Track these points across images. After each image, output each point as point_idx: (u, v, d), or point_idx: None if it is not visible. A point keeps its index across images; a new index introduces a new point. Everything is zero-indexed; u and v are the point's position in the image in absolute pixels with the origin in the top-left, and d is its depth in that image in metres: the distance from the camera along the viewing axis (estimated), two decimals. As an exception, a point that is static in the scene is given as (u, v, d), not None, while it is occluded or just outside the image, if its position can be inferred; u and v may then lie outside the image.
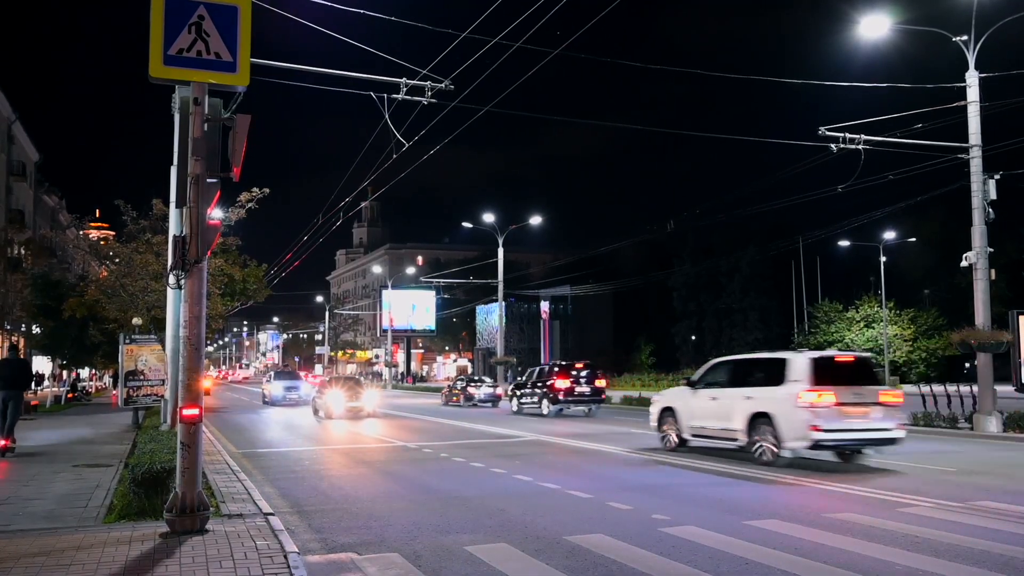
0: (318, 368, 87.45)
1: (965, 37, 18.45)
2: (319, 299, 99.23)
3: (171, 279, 8.04)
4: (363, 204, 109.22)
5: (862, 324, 54.38)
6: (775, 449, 12.53)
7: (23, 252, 39.40)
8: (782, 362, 13.06)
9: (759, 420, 12.82)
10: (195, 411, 7.40)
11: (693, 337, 71.52)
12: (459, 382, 37.34)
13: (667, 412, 15.29)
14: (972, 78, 18.58)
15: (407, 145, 15.46)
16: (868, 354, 15.80)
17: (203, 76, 7.62)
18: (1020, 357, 18.31)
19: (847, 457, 13.24)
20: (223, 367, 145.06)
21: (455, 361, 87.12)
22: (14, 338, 41.06)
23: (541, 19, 12.35)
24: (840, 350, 53.33)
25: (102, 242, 31.36)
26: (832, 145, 18.89)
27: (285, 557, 6.53)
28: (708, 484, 11.11)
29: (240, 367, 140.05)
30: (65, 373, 48.15)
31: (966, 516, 8.67)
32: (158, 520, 7.75)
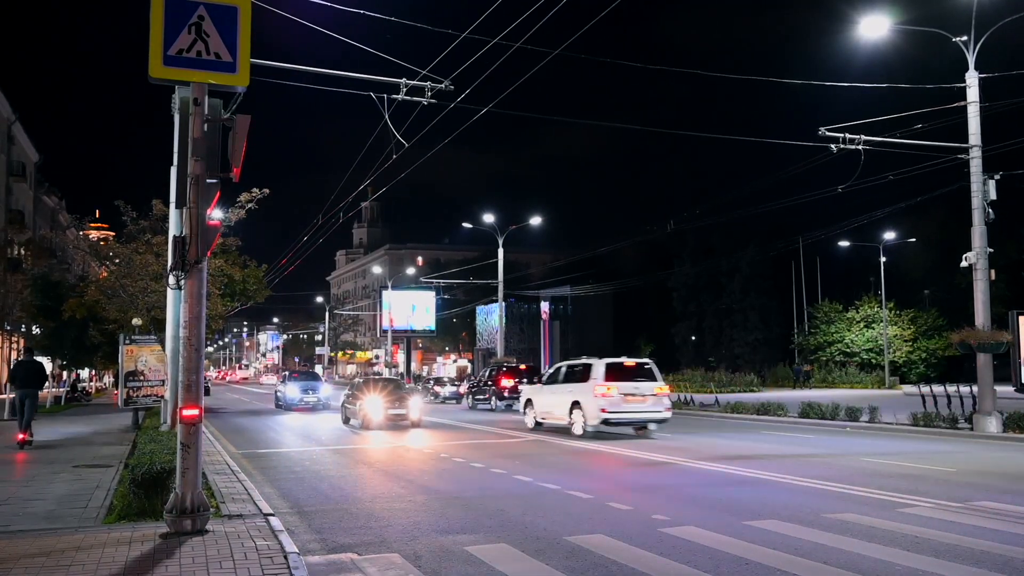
0: (318, 368, 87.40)
1: (965, 37, 18.45)
2: (319, 300, 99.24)
3: (171, 280, 8.03)
4: (363, 204, 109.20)
5: (862, 324, 54.38)
6: (584, 426, 18.28)
7: (23, 253, 39.43)
8: (589, 366, 18.87)
9: (575, 407, 18.56)
10: (195, 412, 7.40)
11: (693, 337, 71.50)
12: (429, 382, 47.29)
13: (528, 402, 21.51)
14: (972, 78, 18.58)
15: (407, 145, 15.46)
16: (647, 360, 19.89)
17: (203, 76, 7.62)
18: (1020, 357, 18.33)
19: (640, 430, 18.68)
20: (223, 367, 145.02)
21: (455, 361, 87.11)
22: (18, 340, 41.12)
23: (541, 19, 12.35)
24: (844, 350, 53.57)
25: (102, 243, 31.33)
26: (832, 145, 18.90)
27: (285, 557, 6.54)
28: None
29: (240, 367, 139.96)
30: (65, 374, 48.14)
31: (966, 516, 8.67)
32: (158, 521, 7.75)
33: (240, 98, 10.86)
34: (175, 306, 11.92)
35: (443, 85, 14.25)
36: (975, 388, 19.18)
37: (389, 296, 70.96)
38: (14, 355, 43.21)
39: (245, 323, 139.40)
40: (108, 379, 58.37)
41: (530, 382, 27.68)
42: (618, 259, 65.27)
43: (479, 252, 68.11)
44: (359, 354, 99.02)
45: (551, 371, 21.84)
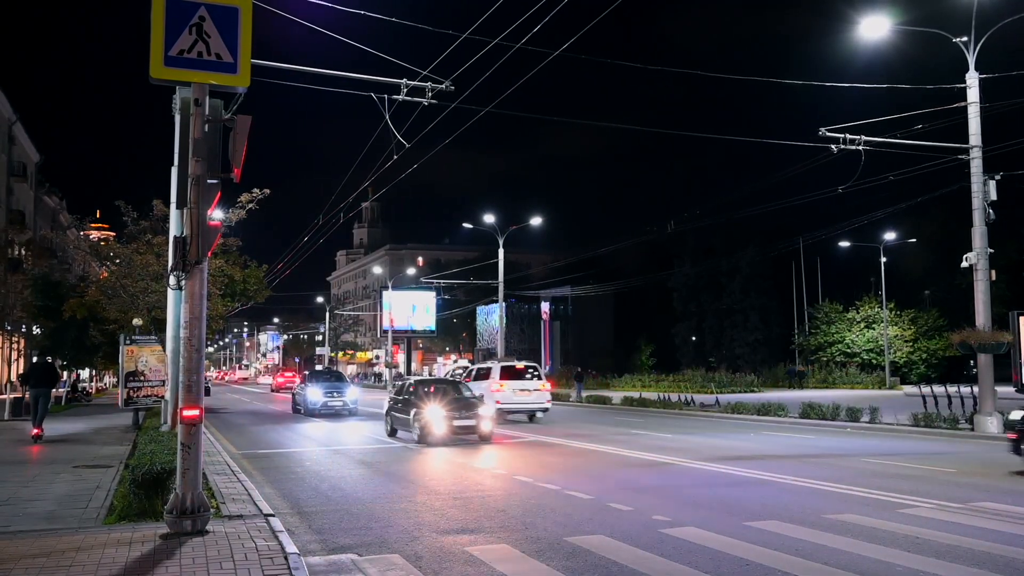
0: (318, 369, 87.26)
1: (965, 38, 18.46)
2: (319, 300, 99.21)
3: (172, 280, 8.04)
4: (363, 205, 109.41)
5: (862, 325, 54.38)
6: None
7: (24, 253, 39.41)
8: (490, 368, 25.09)
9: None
10: (195, 412, 7.40)
11: (694, 338, 71.48)
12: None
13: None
14: (972, 79, 18.58)
15: (408, 146, 15.46)
16: (534, 364, 25.58)
17: (204, 77, 7.62)
18: (1020, 358, 18.30)
19: (530, 418, 24.16)
20: (223, 368, 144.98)
21: (455, 362, 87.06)
22: (18, 340, 41.14)
23: (541, 20, 12.35)
24: (844, 350, 53.58)
25: (102, 243, 31.33)
26: (833, 146, 18.90)
27: (285, 558, 6.53)
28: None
29: (239, 368, 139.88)
30: (65, 374, 48.13)
31: (967, 517, 8.67)
32: (158, 521, 7.75)
33: (241, 98, 10.88)
34: (175, 306, 11.92)
35: (444, 86, 14.25)
36: (975, 389, 19.17)
37: (389, 296, 70.96)
38: (14, 355, 43.24)
39: (245, 323, 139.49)
40: (108, 379, 58.36)
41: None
42: (618, 259, 65.28)
43: (479, 252, 68.11)
44: (359, 354, 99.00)
45: (472, 371, 27.61)
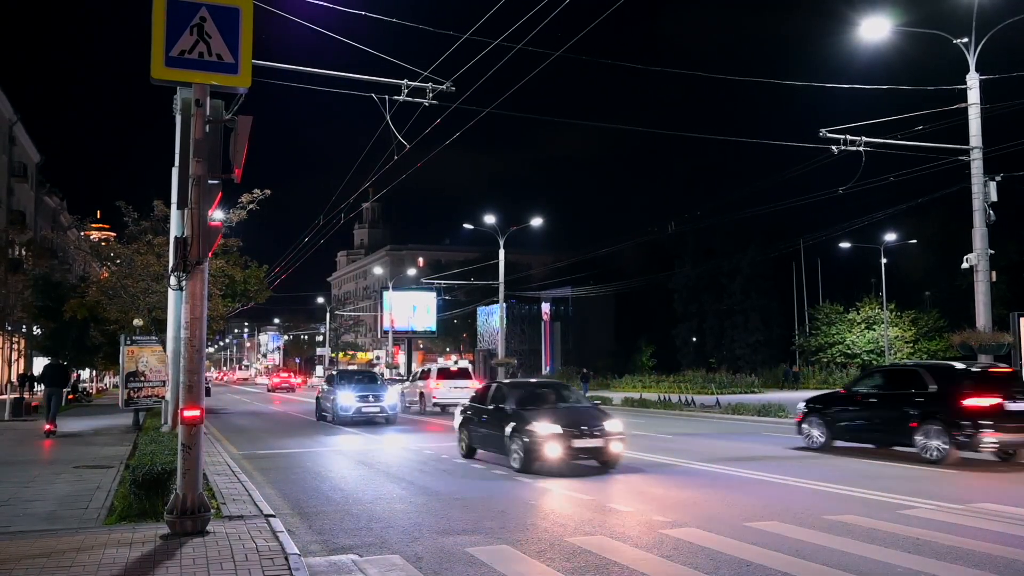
0: (319, 370, 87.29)
1: (966, 39, 18.46)
2: (320, 300, 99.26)
3: (172, 280, 8.05)
4: (364, 205, 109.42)
5: (863, 326, 54.35)
6: (427, 407, 28.53)
7: (24, 253, 39.42)
8: (429, 369, 29.36)
9: (422, 395, 28.93)
10: (196, 412, 7.40)
11: (694, 338, 71.44)
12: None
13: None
14: (973, 80, 18.58)
15: (408, 147, 15.46)
16: (468, 366, 30.28)
17: (205, 78, 7.62)
18: (1021, 359, 18.31)
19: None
20: (224, 368, 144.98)
21: (456, 363, 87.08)
22: (19, 341, 41.13)
23: (542, 21, 12.36)
24: (845, 351, 53.54)
25: (103, 243, 31.33)
26: (833, 147, 18.90)
27: (286, 559, 6.54)
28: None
29: (239, 368, 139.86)
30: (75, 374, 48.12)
31: (967, 518, 8.67)
32: (159, 521, 7.75)
33: (242, 99, 10.87)
34: (176, 307, 11.93)
35: (444, 86, 14.26)
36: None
37: (390, 297, 70.95)
38: (15, 355, 43.26)
39: (246, 324, 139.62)
40: (109, 380, 58.35)
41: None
42: (619, 260, 65.26)
43: (480, 253, 68.12)
44: (360, 355, 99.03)
45: (417, 372, 31.72)
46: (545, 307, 72.31)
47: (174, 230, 11.52)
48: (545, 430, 12.30)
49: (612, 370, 59.32)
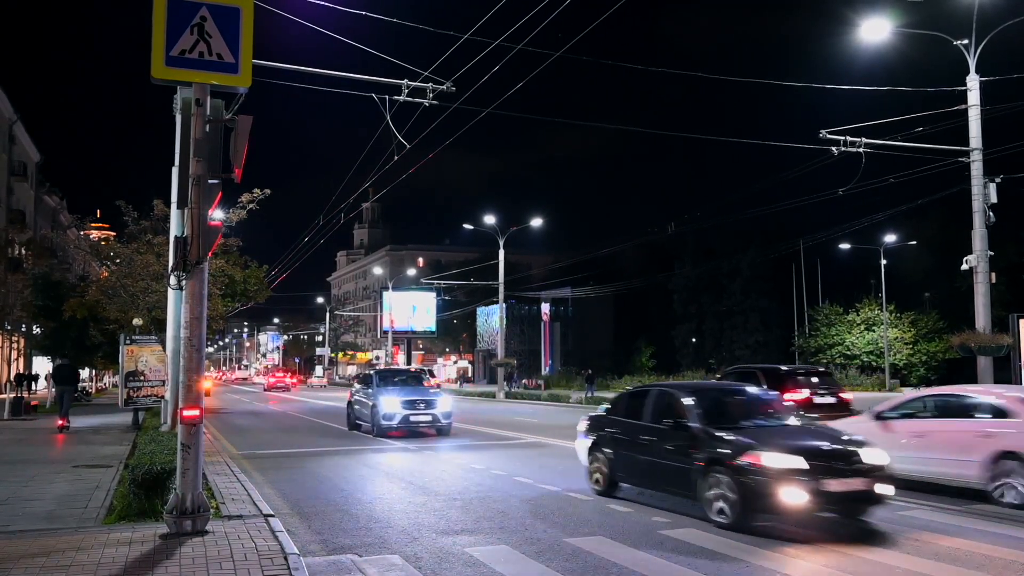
0: (318, 370, 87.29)
1: (966, 41, 18.46)
2: (320, 300, 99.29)
3: (172, 280, 8.04)
4: (364, 205, 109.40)
5: (862, 327, 54.34)
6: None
7: (24, 252, 39.36)
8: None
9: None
10: (195, 412, 7.40)
11: (694, 339, 71.42)
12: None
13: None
14: (973, 82, 18.59)
15: (408, 147, 15.46)
16: (421, 369, 31.50)
17: (205, 77, 7.62)
18: (1020, 360, 18.31)
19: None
20: (223, 368, 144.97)
21: (456, 363, 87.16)
22: (18, 340, 41.12)
23: (543, 21, 12.36)
24: (844, 352, 53.59)
25: (103, 243, 31.37)
26: (833, 148, 18.90)
27: (285, 558, 6.53)
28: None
29: (239, 368, 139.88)
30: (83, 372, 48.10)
31: (967, 519, 8.67)
32: (158, 521, 7.74)
33: (242, 99, 10.89)
34: (176, 306, 11.93)
35: (445, 86, 14.27)
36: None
37: (390, 297, 71.02)
38: (14, 355, 43.24)
39: (245, 323, 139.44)
40: (108, 379, 58.33)
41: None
42: (619, 261, 65.29)
43: (480, 253, 68.15)
44: (360, 355, 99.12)
45: (374, 376, 31.78)
46: (545, 308, 72.35)
47: (174, 230, 11.52)
48: (778, 463, 8.04)
49: (611, 371, 59.32)
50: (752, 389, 11.20)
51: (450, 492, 10.77)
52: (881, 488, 8.27)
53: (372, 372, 24.08)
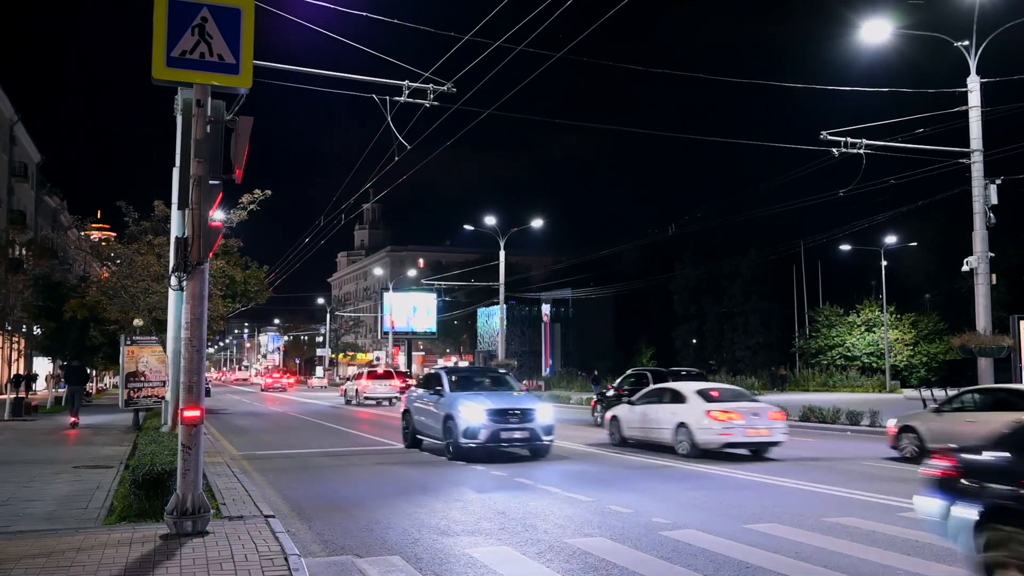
0: (319, 371, 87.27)
1: (967, 42, 18.47)
2: (320, 301, 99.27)
3: (173, 280, 8.05)
4: (364, 206, 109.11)
5: (863, 328, 54.31)
6: (357, 400, 37.17)
7: (24, 253, 39.37)
8: (363, 372, 39.35)
9: (358, 391, 37.45)
10: (196, 413, 7.40)
11: (694, 340, 71.43)
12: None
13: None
14: (973, 83, 18.60)
15: (409, 148, 15.48)
16: (390, 370, 37.46)
17: (206, 78, 7.62)
18: (1021, 361, 18.32)
19: (391, 401, 34.38)
20: (224, 368, 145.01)
21: (456, 364, 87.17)
22: (19, 341, 41.12)
23: (544, 23, 12.39)
24: (845, 354, 53.57)
25: (103, 243, 31.31)
26: (834, 149, 18.92)
27: (286, 559, 6.53)
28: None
29: (239, 368, 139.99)
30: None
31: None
32: (159, 522, 7.74)
33: (243, 99, 10.85)
34: (176, 307, 11.93)
35: (445, 87, 14.28)
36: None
37: (390, 298, 70.98)
38: (15, 355, 43.25)
39: (246, 324, 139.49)
40: (109, 380, 58.32)
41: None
42: (619, 262, 65.30)
43: (480, 254, 68.16)
44: (360, 356, 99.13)
45: (346, 377, 41.32)
46: (545, 309, 72.31)
47: (175, 230, 11.53)
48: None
49: (612, 372, 59.30)
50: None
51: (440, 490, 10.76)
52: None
53: (440, 371, 17.55)
